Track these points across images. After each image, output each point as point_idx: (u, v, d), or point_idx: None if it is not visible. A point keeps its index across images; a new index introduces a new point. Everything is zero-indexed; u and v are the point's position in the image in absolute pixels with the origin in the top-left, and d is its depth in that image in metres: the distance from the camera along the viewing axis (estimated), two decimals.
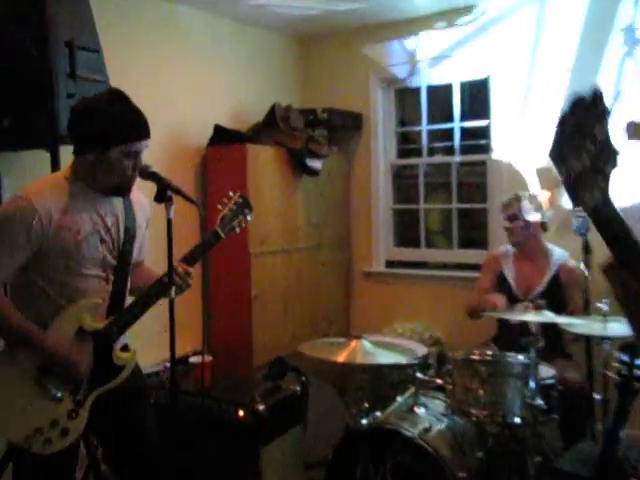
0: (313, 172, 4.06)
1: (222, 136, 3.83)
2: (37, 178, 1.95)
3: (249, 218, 2.19)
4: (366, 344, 2.53)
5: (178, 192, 1.82)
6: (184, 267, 1.98)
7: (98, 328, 1.91)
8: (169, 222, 1.80)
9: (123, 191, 1.91)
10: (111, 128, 1.83)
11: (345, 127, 4.38)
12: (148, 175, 1.86)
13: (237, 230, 2.15)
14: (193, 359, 3.31)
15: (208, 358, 3.34)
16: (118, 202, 1.97)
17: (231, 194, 2.18)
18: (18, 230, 1.80)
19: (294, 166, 3.99)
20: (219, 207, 2.14)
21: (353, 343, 2.53)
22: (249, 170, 3.69)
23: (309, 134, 4.00)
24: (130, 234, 1.99)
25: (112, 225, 1.94)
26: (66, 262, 1.86)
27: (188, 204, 1.88)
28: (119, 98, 1.86)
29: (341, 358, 2.42)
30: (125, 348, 2.03)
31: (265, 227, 3.80)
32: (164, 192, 1.80)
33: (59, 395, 1.83)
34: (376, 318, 4.35)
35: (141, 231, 2.04)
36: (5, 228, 1.81)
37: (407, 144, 4.58)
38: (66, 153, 2.69)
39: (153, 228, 2.12)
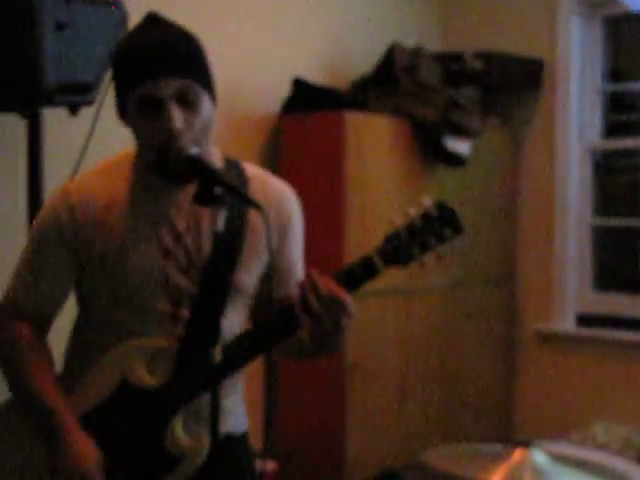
0: (455, 159, 4.04)
1: (305, 97, 3.88)
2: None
3: (448, 245, 1.98)
4: (540, 459, 2.47)
5: (232, 190, 1.83)
6: (333, 287, 1.87)
7: (150, 385, 1.95)
8: (216, 237, 1.83)
9: (165, 173, 1.91)
10: (116, 70, 1.92)
11: (512, 84, 4.34)
12: (183, 163, 1.88)
13: (421, 262, 1.98)
14: None
15: (271, 465, 3.36)
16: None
17: (427, 201, 1.97)
18: (51, 236, 1.98)
19: (423, 149, 3.99)
20: (392, 219, 1.96)
21: (517, 455, 2.48)
22: (348, 153, 3.72)
23: (450, 96, 3.99)
24: (224, 245, 1.93)
25: (186, 229, 1.97)
26: (107, 283, 1.96)
27: (254, 212, 1.91)
28: (144, 25, 1.92)
29: (495, 479, 2.39)
30: (231, 441, 2.06)
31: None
32: (209, 189, 1.83)
33: None
34: (559, 413, 4.28)
35: (258, 241, 2.00)
36: (37, 237, 2.01)
37: (622, 113, 4.47)
38: (55, 120, 2.86)
39: None
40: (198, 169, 1.84)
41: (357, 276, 1.95)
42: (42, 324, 2.03)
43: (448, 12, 4.67)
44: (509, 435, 4.29)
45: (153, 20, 1.93)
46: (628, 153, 4.41)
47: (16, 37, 2.45)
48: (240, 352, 1.93)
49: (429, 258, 1.99)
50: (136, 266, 1.93)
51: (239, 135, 3.84)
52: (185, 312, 1.96)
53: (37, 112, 2.67)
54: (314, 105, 3.84)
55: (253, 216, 1.96)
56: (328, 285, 1.85)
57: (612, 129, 4.44)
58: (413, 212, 1.96)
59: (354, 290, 1.93)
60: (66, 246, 1.96)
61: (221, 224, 1.81)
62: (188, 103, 1.88)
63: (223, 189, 1.80)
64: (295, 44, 4.06)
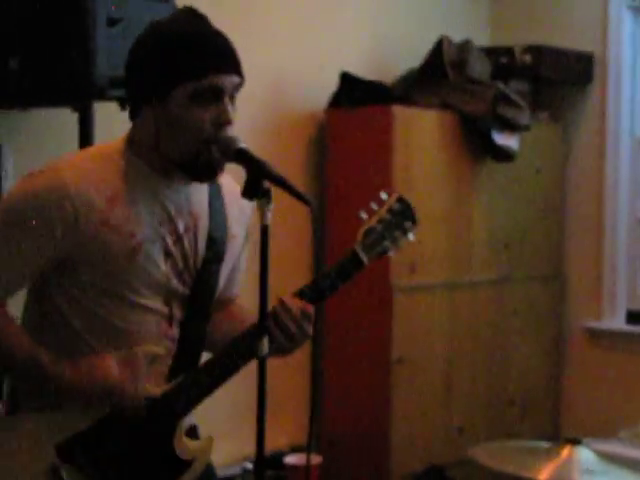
0: (504, 154, 4.02)
1: (352, 92, 3.87)
2: (71, 152, 2.04)
3: (411, 237, 2.16)
4: (588, 457, 2.47)
5: (281, 183, 1.82)
6: (299, 305, 1.97)
7: (154, 395, 1.95)
8: (264, 230, 1.83)
9: (201, 168, 1.91)
10: (168, 58, 1.86)
11: (562, 78, 4.31)
12: (233, 155, 1.89)
13: (391, 254, 2.13)
14: (291, 459, 3.36)
15: (316, 459, 3.38)
16: (198, 193, 1.99)
17: (384, 195, 2.14)
18: (35, 220, 1.86)
19: (471, 143, 3.98)
20: (362, 215, 2.11)
21: (565, 452, 2.49)
22: (396, 148, 3.72)
23: (499, 90, 3.97)
24: (217, 248, 1.99)
25: (185, 230, 1.97)
26: (110, 283, 1.91)
27: (295, 203, 1.90)
28: (190, 17, 1.91)
29: (543, 476, 2.38)
30: (193, 432, 2.07)
31: (419, 245, 3.79)
32: (258, 183, 1.83)
33: None
34: (607, 411, 4.25)
35: (236, 245, 2.06)
36: (15, 217, 1.88)
37: None
38: (105, 114, 2.89)
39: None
40: (248, 161, 1.84)
41: (347, 270, 2.05)
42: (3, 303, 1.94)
43: (497, 6, 4.64)
44: (556, 433, 4.26)
45: (196, 14, 1.93)
46: None
47: (69, 33, 2.48)
48: (218, 366, 1.98)
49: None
50: (143, 268, 1.91)
51: (287, 129, 3.85)
52: (177, 312, 1.97)
53: (88, 106, 2.70)
54: (362, 99, 3.83)
55: (231, 221, 2.04)
56: (295, 303, 1.97)
57: None
58: (377, 207, 2.12)
59: (343, 283, 2.05)
60: (50, 237, 1.86)
61: (268, 217, 1.81)
62: (233, 100, 1.90)
63: (271, 182, 1.81)
64: (343, 39, 4.05)
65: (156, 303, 1.95)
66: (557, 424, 4.43)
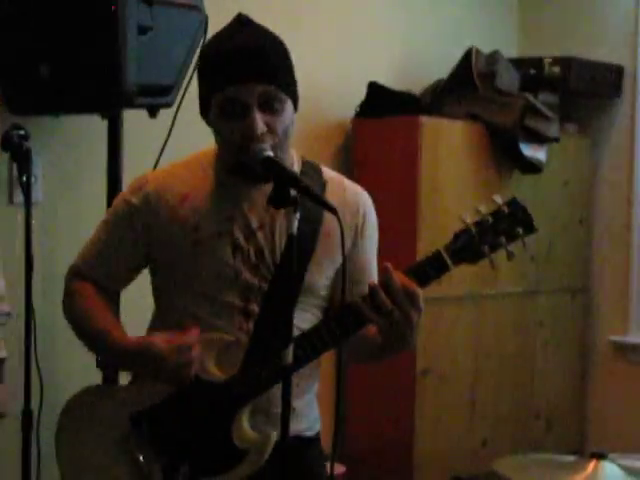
0: (532, 166, 4.01)
1: (380, 101, 3.88)
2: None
3: (520, 244, 1.98)
4: (613, 471, 2.47)
5: (307, 192, 1.84)
6: (404, 280, 1.87)
7: (217, 378, 1.97)
8: (291, 239, 1.84)
9: (245, 175, 1.96)
10: (202, 72, 1.98)
11: (591, 91, 4.30)
12: (260, 163, 1.89)
13: (490, 260, 1.98)
14: None
15: (340, 469, 3.37)
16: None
17: (497, 198, 1.98)
18: (121, 222, 2.07)
19: (499, 155, 3.97)
20: (464, 217, 1.96)
21: (590, 467, 2.49)
22: (423, 158, 3.72)
23: (528, 101, 3.96)
24: (297, 245, 1.87)
25: (260, 226, 2.00)
26: (178, 275, 2.01)
27: (328, 214, 1.90)
28: (233, 27, 1.96)
29: None
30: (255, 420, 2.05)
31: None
32: (285, 191, 1.84)
33: (146, 471, 1.97)
34: (633, 425, 4.24)
35: (331, 243, 2.01)
36: (110, 215, 2.12)
37: None
38: (135, 122, 2.91)
39: None
40: (274, 170, 1.86)
41: (426, 272, 1.93)
42: (105, 290, 2.12)
43: (526, 17, 4.63)
44: (581, 447, 4.23)
45: (244, 22, 1.97)
46: None
47: (100, 40, 2.51)
48: (307, 348, 1.94)
49: (499, 257, 1.99)
50: (207, 259, 1.98)
51: (314, 138, 3.85)
52: (255, 308, 1.99)
53: (118, 113, 2.72)
54: (389, 109, 3.83)
55: (328, 218, 1.97)
56: (400, 278, 1.86)
57: None
58: (484, 209, 1.96)
59: (423, 286, 1.91)
60: (134, 231, 2.04)
61: (295, 226, 1.81)
62: (271, 108, 1.92)
63: (298, 191, 1.81)
64: (371, 48, 4.06)
65: (230, 297, 1.99)
66: (582, 438, 4.41)
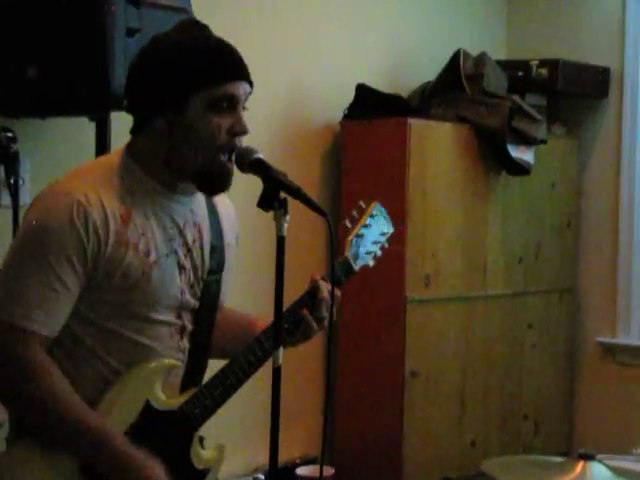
0: (520, 168, 4.01)
1: (368, 104, 3.87)
2: (74, 168, 2.00)
3: (385, 243, 2.28)
4: (602, 471, 2.47)
5: (297, 194, 1.82)
6: (331, 290, 1.98)
7: (173, 407, 1.96)
8: (280, 241, 1.83)
9: (215, 177, 1.92)
10: (180, 67, 1.87)
11: (579, 92, 4.31)
12: (250, 165, 1.88)
13: (370, 263, 2.24)
14: (303, 470, 3.35)
15: (329, 471, 3.37)
16: (199, 204, 2.01)
17: (362, 204, 2.26)
18: (67, 249, 1.81)
19: (487, 157, 3.97)
20: (346, 223, 2.21)
21: (578, 468, 2.48)
22: (411, 161, 3.71)
23: (515, 103, 3.96)
24: (218, 257, 2.03)
25: (193, 242, 1.99)
26: (129, 302, 1.90)
27: (311, 214, 1.90)
28: (195, 28, 1.93)
29: None
30: (201, 442, 2.08)
31: (434, 258, 3.80)
32: (274, 194, 1.84)
33: None
34: (620, 427, 4.24)
35: (231, 252, 2.10)
36: (42, 244, 1.82)
37: None
38: (122, 124, 2.89)
39: (249, 249, 2.18)
40: (265, 172, 1.85)
41: (339, 278, 2.15)
42: (47, 347, 1.87)
43: (513, 20, 4.64)
44: (569, 448, 4.24)
45: (201, 25, 1.95)
46: None
47: (87, 42, 2.50)
48: (233, 373, 1.99)
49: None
50: (159, 282, 1.91)
51: (303, 141, 3.85)
52: (188, 324, 1.99)
53: (105, 116, 2.71)
54: (377, 111, 3.83)
55: (227, 228, 2.09)
56: (328, 288, 2.04)
57: None
58: (358, 214, 2.23)
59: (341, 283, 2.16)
60: (75, 262, 1.82)
61: (284, 228, 1.81)
62: (244, 108, 1.93)
63: (287, 193, 1.81)
64: (359, 51, 4.06)
65: (169, 316, 1.97)
66: (571, 439, 4.41)
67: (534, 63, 4.18)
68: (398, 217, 3.72)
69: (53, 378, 1.84)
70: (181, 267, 1.96)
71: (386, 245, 2.27)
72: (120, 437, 1.88)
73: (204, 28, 1.95)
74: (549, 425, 4.34)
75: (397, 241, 3.69)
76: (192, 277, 1.99)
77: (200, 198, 2.02)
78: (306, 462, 3.51)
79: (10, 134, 2.66)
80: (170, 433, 1.95)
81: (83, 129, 2.83)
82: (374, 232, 2.23)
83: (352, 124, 3.90)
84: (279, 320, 1.82)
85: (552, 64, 4.15)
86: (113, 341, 1.92)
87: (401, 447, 3.70)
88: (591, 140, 4.45)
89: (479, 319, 4.01)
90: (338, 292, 2.03)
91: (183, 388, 1.99)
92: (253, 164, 1.87)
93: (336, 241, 1.91)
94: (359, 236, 2.19)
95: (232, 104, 1.89)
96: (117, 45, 2.49)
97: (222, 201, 2.11)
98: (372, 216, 2.23)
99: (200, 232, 2.00)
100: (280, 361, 1.80)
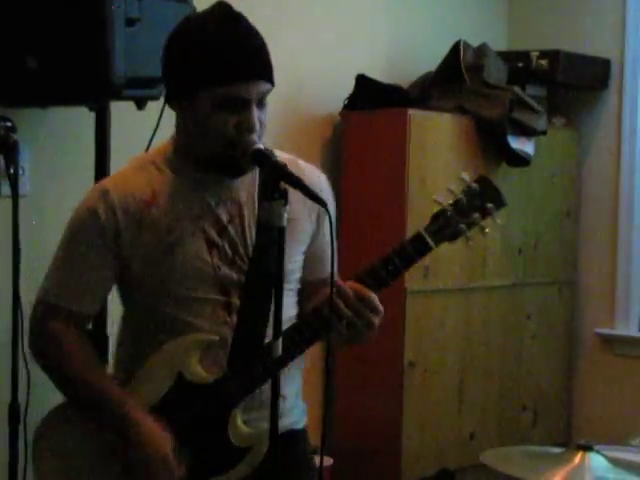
0: (520, 159, 4.02)
1: (368, 94, 3.87)
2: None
3: (497, 220, 2.06)
4: (599, 462, 2.46)
5: (297, 184, 1.83)
6: (358, 289, 1.94)
7: (208, 381, 1.97)
8: (280, 232, 1.84)
9: (225, 167, 1.95)
10: (193, 61, 1.90)
11: (579, 84, 4.31)
12: (251, 155, 1.89)
13: (466, 237, 2.05)
14: None
15: (328, 461, 3.37)
16: (245, 180, 2.01)
17: (465, 176, 2.05)
18: (90, 236, 1.97)
19: (487, 148, 3.97)
20: (438, 198, 2.04)
21: (577, 458, 2.47)
22: (411, 151, 3.72)
23: (515, 94, 3.96)
24: (267, 234, 1.92)
25: (230, 219, 2.00)
26: (157, 278, 1.97)
27: (292, 200, 1.89)
28: (223, 16, 1.93)
29: None
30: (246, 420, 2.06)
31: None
32: (275, 184, 1.85)
33: None
34: (619, 417, 4.26)
35: (298, 228, 2.05)
36: (71, 233, 2.01)
37: None
38: (122, 114, 2.90)
39: None
40: (265, 163, 1.87)
41: (409, 253, 2.01)
42: (79, 321, 2.03)
43: (515, 10, 4.64)
44: (568, 439, 4.25)
45: (230, 14, 1.94)
46: None
47: (87, 32, 2.49)
48: (290, 345, 1.94)
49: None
50: (183, 260, 1.95)
51: (303, 131, 3.85)
52: (236, 301, 1.99)
53: (105, 105, 2.71)
54: (378, 102, 3.83)
55: (291, 201, 1.92)
56: (353, 289, 1.94)
57: None
58: (455, 189, 2.03)
59: (408, 268, 2.02)
60: (107, 246, 1.96)
61: (285, 218, 1.81)
62: (262, 105, 1.93)
63: (288, 183, 1.81)
64: (359, 41, 4.06)
65: (210, 293, 1.98)
66: (569, 430, 4.42)
67: (534, 54, 4.17)
68: (398, 207, 3.77)
69: (75, 347, 1.99)
70: (211, 244, 1.97)
71: (486, 223, 2.05)
72: (136, 405, 1.95)
73: (233, 18, 1.94)
74: (548, 416, 4.35)
75: (396, 232, 3.75)
76: (231, 253, 1.99)
77: (251, 174, 2.01)
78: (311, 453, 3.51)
79: (9, 124, 2.67)
80: (205, 408, 1.96)
81: (83, 119, 2.83)
82: (467, 208, 2.02)
83: (352, 115, 3.90)
84: (279, 311, 1.82)
85: (552, 55, 4.15)
86: (154, 318, 1.99)
87: (400, 438, 3.71)
88: (591, 132, 4.45)
89: (478, 310, 4.01)
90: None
91: (230, 364, 1.97)
92: (253, 155, 1.88)
93: (335, 231, 1.89)
94: (443, 212, 2.01)
95: (243, 104, 1.89)
96: (117, 35, 2.49)
97: (300, 173, 1.98)
98: (469, 191, 2.02)
99: (240, 209, 2.00)
100: (280, 351, 1.81)
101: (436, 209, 2.02)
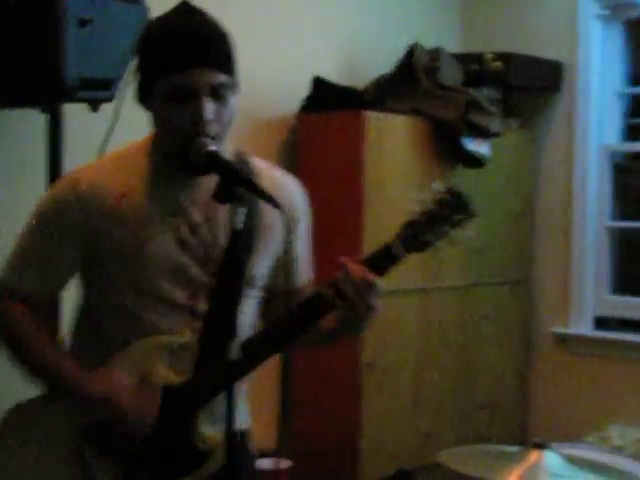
0: (474, 160, 4.04)
1: (325, 96, 3.88)
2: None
3: (467, 231, 2.02)
4: (554, 460, 2.46)
5: (252, 187, 1.81)
6: (363, 274, 1.91)
7: (174, 383, 1.96)
8: (235, 235, 1.83)
9: (186, 167, 1.92)
10: (148, 54, 1.92)
11: (532, 86, 4.34)
12: (204, 158, 1.87)
13: (435, 246, 2.01)
14: (260, 464, 3.34)
15: (285, 464, 3.37)
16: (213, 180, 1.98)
17: (435, 185, 2.03)
18: (55, 222, 1.97)
19: (442, 149, 3.99)
20: (410, 207, 2.02)
21: (532, 456, 2.47)
22: (367, 154, 3.72)
23: (470, 96, 3.98)
24: (241, 238, 1.92)
25: (204, 221, 1.98)
26: (125, 274, 1.95)
27: (267, 207, 1.90)
28: (180, 13, 1.92)
29: None
30: (243, 437, 2.08)
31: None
32: (229, 186, 1.83)
33: None
34: (574, 415, 4.29)
35: (271, 235, 2.04)
36: (41, 220, 2.00)
37: None
38: (75, 116, 2.87)
39: None
40: (218, 166, 1.85)
41: (380, 263, 1.98)
42: (38, 304, 2.02)
43: (469, 13, 4.67)
44: (524, 437, 4.28)
45: (189, 9, 1.93)
46: None
47: (40, 33, 2.47)
48: (261, 347, 1.94)
49: (444, 244, 2.03)
50: (152, 257, 1.93)
51: (258, 134, 3.83)
52: (203, 306, 1.97)
53: (58, 107, 2.68)
54: (333, 104, 3.83)
55: (267, 210, 1.95)
56: (359, 271, 1.91)
57: (631, 132, 4.44)
58: (426, 198, 2.00)
59: (380, 276, 1.97)
60: (73, 235, 1.96)
61: (240, 221, 1.80)
62: (219, 97, 1.90)
63: (243, 186, 1.80)
64: (315, 43, 4.05)
65: (178, 296, 1.96)
66: (525, 428, 4.45)
67: (488, 56, 4.19)
68: (355, 209, 3.78)
69: (25, 326, 1.99)
70: (182, 243, 1.95)
71: (456, 234, 2.01)
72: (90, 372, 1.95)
73: (190, 13, 1.92)
74: (504, 415, 4.37)
75: (353, 234, 3.75)
76: (202, 255, 1.97)
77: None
78: (263, 455, 3.49)
79: None
80: (170, 410, 1.94)
81: (35, 121, 2.79)
82: (436, 219, 2.00)
83: (308, 117, 3.90)
84: (233, 313, 1.81)
85: (506, 58, 4.17)
86: (118, 314, 1.97)
87: (358, 439, 3.71)
88: (545, 133, 4.48)
89: (435, 310, 4.02)
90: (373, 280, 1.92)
91: (196, 368, 1.96)
92: (207, 157, 1.86)
93: (307, 241, 1.89)
94: (413, 222, 1.98)
95: (192, 93, 1.86)
96: (69, 36, 2.47)
97: (273, 182, 2.04)
98: (439, 201, 2.00)
99: (214, 211, 1.97)
100: (235, 354, 1.80)
101: (406, 219, 1.99)
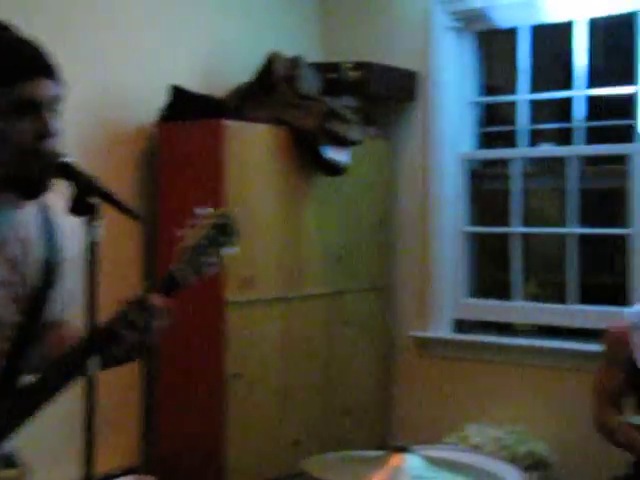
0: (333, 168, 4.07)
1: (183, 105, 3.84)
2: None
3: (231, 250, 2.08)
4: (416, 462, 2.49)
5: (108, 198, 1.79)
6: (154, 299, 1.94)
7: None
8: (93, 248, 1.80)
9: (24, 184, 1.86)
10: None
11: (389, 95, 4.40)
12: (57, 169, 1.82)
13: (207, 272, 2.07)
14: None
15: None
16: (26, 217, 1.94)
17: (200, 211, 2.10)
18: None
19: (302, 158, 4.01)
20: (180, 233, 2.08)
21: (394, 460, 2.49)
22: (227, 162, 3.70)
23: (328, 105, 4.02)
24: (51, 273, 1.92)
25: (21, 256, 1.93)
26: None
27: (125, 218, 1.87)
28: (4, 28, 1.86)
29: None
30: (10, 462, 2.01)
31: (253, 259, 3.81)
32: (85, 198, 1.80)
33: None
34: (434, 418, 4.34)
35: (70, 268, 2.02)
36: None
37: (493, 125, 4.58)
38: None
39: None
40: (74, 176, 1.80)
41: (167, 290, 2.03)
42: None
43: (327, 23, 4.70)
44: (385, 440, 4.32)
45: (5, 25, 1.88)
46: (498, 164, 4.52)
47: None
48: (39, 389, 1.92)
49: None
50: None
51: (115, 145, 3.76)
52: (5, 345, 1.92)
53: None
54: (193, 113, 3.80)
55: (64, 243, 1.97)
56: (150, 298, 1.95)
57: (484, 140, 4.54)
58: (201, 222, 2.08)
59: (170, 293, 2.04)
60: None
61: (98, 234, 1.77)
62: (55, 110, 1.86)
63: (98, 197, 1.77)
64: (172, 51, 4.01)
65: None
66: (389, 433, 4.49)
67: (347, 66, 4.24)
68: None
69: None
70: (2, 283, 1.89)
71: (223, 254, 2.09)
72: None
73: (6, 28, 1.87)
74: (368, 420, 4.42)
75: None
76: (20, 292, 1.92)
77: (30, 212, 1.93)
78: (126, 472, 3.44)
79: None
80: None
81: None
82: (206, 242, 2.07)
83: (167, 126, 3.86)
84: (94, 327, 1.78)
85: (364, 67, 4.23)
86: None
87: (224, 451, 3.68)
88: (402, 142, 4.54)
89: (299, 319, 4.03)
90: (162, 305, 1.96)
91: None
92: (60, 168, 1.81)
93: (153, 246, 1.88)
94: (189, 248, 2.05)
95: (35, 106, 1.81)
96: None
97: (64, 215, 1.97)
98: (213, 225, 2.08)
99: (25, 246, 1.91)
100: (96, 369, 1.76)
101: (183, 243, 2.05)
